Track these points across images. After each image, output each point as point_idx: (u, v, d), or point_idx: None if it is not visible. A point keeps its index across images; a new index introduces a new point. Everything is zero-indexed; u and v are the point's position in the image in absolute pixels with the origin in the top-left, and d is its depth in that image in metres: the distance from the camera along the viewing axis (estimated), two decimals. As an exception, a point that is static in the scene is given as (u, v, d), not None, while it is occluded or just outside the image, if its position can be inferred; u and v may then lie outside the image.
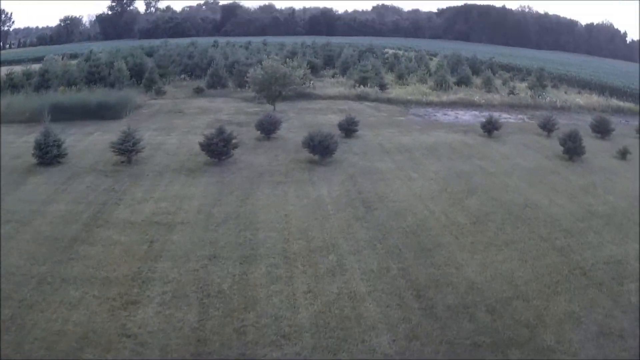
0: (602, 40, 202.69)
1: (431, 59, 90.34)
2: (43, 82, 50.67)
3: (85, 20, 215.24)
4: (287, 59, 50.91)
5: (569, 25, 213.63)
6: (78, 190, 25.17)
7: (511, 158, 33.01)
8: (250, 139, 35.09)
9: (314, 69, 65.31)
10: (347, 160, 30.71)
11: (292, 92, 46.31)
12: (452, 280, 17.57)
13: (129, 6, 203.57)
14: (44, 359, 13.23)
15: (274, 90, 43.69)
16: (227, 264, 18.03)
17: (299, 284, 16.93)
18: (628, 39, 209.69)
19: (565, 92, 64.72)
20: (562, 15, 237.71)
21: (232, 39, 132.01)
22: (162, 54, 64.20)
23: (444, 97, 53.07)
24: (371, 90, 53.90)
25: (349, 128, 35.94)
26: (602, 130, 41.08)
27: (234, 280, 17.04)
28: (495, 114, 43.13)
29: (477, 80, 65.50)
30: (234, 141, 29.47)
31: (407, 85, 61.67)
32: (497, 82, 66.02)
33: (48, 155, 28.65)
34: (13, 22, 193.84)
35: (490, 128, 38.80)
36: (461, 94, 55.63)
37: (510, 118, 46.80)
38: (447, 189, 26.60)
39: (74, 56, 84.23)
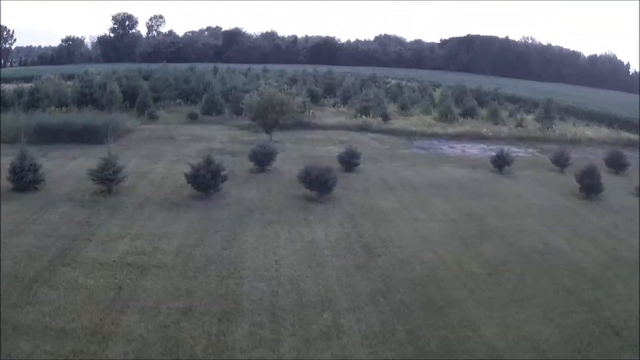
0: (605, 72, 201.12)
1: (434, 90, 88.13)
2: (33, 102, 48.97)
3: (87, 41, 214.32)
4: (286, 86, 47.96)
5: (572, 57, 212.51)
6: (50, 221, 22.54)
7: (525, 197, 30.35)
8: (242, 170, 32.47)
9: (314, 98, 62.96)
10: (347, 198, 27.95)
11: (290, 121, 43.77)
12: (469, 345, 14.80)
13: (131, 29, 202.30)
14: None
15: (270, 118, 41.17)
16: (204, 320, 15.22)
17: (286, 348, 14.14)
18: (631, 71, 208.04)
19: (574, 125, 62.39)
20: (564, 46, 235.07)
21: (232, 66, 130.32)
22: (157, 77, 61.64)
23: (450, 129, 50.57)
24: (373, 120, 51.50)
25: (349, 161, 33.27)
26: (616, 165, 38.59)
27: (209, 342, 14.24)
28: (504, 148, 40.59)
29: (483, 112, 63.21)
30: (223, 173, 26.76)
31: (411, 116, 59.30)
32: (504, 113, 63.48)
33: (23, 180, 26.17)
34: (15, 40, 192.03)
35: (501, 163, 36.21)
36: (467, 125, 53.19)
37: (519, 152, 44.14)
38: (459, 232, 23.86)
39: (71, 77, 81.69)
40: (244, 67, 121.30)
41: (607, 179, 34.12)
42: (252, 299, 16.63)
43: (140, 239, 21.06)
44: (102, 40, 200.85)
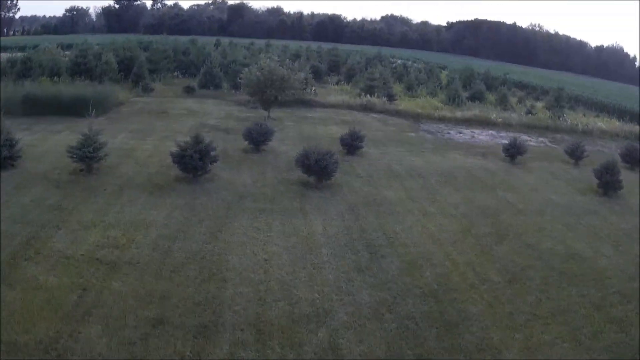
0: (611, 63, 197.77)
1: (441, 72, 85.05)
2: (24, 71, 46.40)
3: (92, 12, 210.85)
4: (288, 61, 45.11)
5: (579, 47, 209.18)
6: (20, 204, 19.86)
7: (541, 191, 27.62)
8: (235, 150, 29.84)
9: (317, 74, 59.97)
10: (348, 185, 25.26)
11: (290, 98, 40.89)
12: (489, 375, 12.23)
13: (136, 0, 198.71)
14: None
15: (269, 94, 38.27)
16: (177, 336, 12.65)
17: (272, 377, 11.52)
18: (637, 63, 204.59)
19: (584, 115, 59.35)
20: (572, 36, 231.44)
21: (236, 40, 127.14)
22: (155, 48, 58.58)
23: (458, 113, 47.67)
24: (378, 100, 48.56)
25: (352, 144, 30.51)
26: (632, 160, 35.77)
27: (181, 365, 11.65)
28: (517, 136, 37.99)
29: (491, 97, 60.29)
30: (212, 153, 24.02)
31: (417, 97, 56.35)
32: (512, 100, 60.76)
33: (-1, 156, 23.36)
34: (18, 8, 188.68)
35: (513, 152, 33.51)
36: (476, 110, 50.24)
37: (530, 141, 41.35)
38: (472, 230, 21.23)
39: (70, 47, 78.56)
40: (248, 41, 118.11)
41: (625, 175, 31.51)
42: (235, 308, 14.02)
43: (114, 228, 18.43)
44: (106, 11, 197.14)
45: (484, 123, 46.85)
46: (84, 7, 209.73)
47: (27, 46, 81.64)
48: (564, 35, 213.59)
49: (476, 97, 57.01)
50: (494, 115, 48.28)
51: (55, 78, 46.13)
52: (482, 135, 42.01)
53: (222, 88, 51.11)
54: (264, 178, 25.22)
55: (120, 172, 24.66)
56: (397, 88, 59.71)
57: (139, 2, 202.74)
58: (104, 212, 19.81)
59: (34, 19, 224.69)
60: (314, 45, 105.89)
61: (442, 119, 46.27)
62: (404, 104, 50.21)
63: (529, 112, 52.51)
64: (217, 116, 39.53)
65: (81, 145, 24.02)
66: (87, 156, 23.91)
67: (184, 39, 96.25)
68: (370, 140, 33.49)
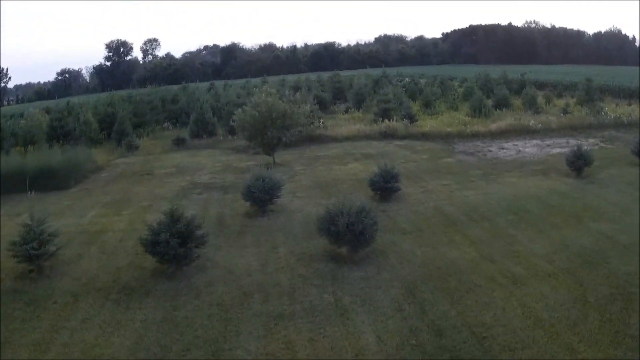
0: (612, 48, 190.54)
1: (454, 84, 77.73)
2: (-5, 142, 39.65)
3: (85, 72, 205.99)
4: (288, 92, 37.91)
5: (577, 37, 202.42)
6: None
7: (634, 211, 20.20)
8: (235, 215, 22.68)
9: (322, 104, 52.49)
10: (395, 250, 17.77)
11: (296, 137, 33.31)
12: None
13: (127, 55, 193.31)
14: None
15: (270, 136, 30.89)
16: None
17: None
18: (638, 43, 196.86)
19: (617, 105, 51.92)
20: (568, 27, 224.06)
21: (232, 81, 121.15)
22: (139, 100, 51.48)
23: (492, 126, 40.21)
24: (399, 124, 41.07)
25: (386, 187, 22.95)
26: None
27: None
28: (576, 143, 30.81)
29: (517, 101, 53.06)
30: (199, 233, 16.60)
31: (438, 114, 49.07)
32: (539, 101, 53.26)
33: None
34: (10, 78, 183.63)
35: (579, 165, 26.06)
36: (508, 119, 42.95)
37: (584, 144, 33.82)
38: (587, 296, 13.92)
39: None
40: (244, 81, 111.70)
41: None
42: None
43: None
44: (98, 70, 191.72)
45: (523, 132, 39.81)
46: (76, 69, 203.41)
47: (15, 115, 75.25)
48: (561, 28, 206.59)
49: (501, 104, 49.85)
50: (532, 122, 40.84)
51: (27, 147, 39.46)
52: (528, 147, 34.75)
53: (217, 135, 43.91)
54: (276, 257, 17.69)
55: (81, 269, 17.53)
56: (414, 107, 52.51)
57: (130, 57, 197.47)
58: (46, 345, 12.86)
59: (29, 86, 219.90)
60: (312, 75, 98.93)
61: (475, 135, 38.99)
62: (427, 123, 42.90)
63: (565, 111, 45.13)
64: (212, 170, 32.29)
65: (23, 240, 16.91)
66: (30, 255, 16.75)
67: (176, 87, 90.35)
68: (404, 175, 26.13)
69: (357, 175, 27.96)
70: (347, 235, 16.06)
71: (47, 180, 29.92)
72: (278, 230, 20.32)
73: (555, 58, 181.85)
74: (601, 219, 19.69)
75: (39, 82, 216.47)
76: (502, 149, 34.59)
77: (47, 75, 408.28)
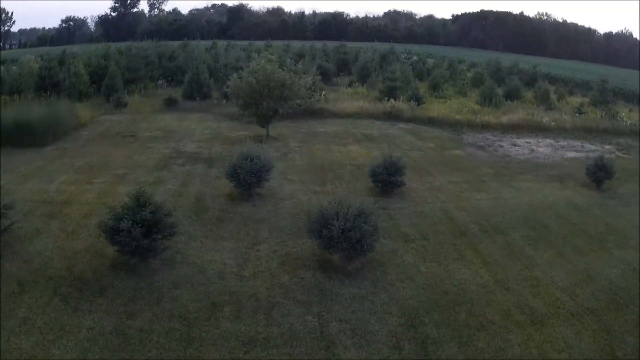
0: (621, 49, 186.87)
1: (462, 67, 74.44)
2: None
3: (90, 21, 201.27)
4: (290, 61, 34.78)
5: (587, 34, 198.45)
6: None
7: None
8: (217, 196, 19.97)
9: (325, 76, 49.47)
10: (395, 262, 15.08)
11: (293, 110, 30.38)
12: None
13: (133, 7, 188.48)
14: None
15: (266, 107, 28.06)
16: None
17: None
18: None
19: (630, 111, 48.91)
20: (579, 23, 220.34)
21: (237, 42, 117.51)
22: (134, 54, 48.31)
23: (504, 118, 37.36)
24: (405, 106, 38.15)
25: (389, 180, 20.24)
26: None
27: None
28: (595, 149, 28.30)
29: (528, 94, 50.03)
30: (169, 220, 13.93)
31: (446, 98, 46.16)
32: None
33: None
34: (14, 22, 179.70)
35: (600, 176, 23.46)
36: (520, 112, 40.11)
37: (600, 150, 31.28)
38: (614, 347, 11.63)
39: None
40: (247, 43, 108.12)
41: None
42: None
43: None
44: (103, 20, 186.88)
45: (535, 128, 36.86)
46: (82, 17, 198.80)
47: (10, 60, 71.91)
48: (572, 23, 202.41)
49: (512, 95, 46.79)
50: (546, 118, 38.04)
51: (15, 96, 36.71)
52: (542, 147, 31.98)
53: (212, 98, 40.91)
54: (256, 256, 14.97)
55: (35, 250, 14.90)
56: (420, 86, 49.65)
57: (136, 10, 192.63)
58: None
59: (34, 31, 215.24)
60: (318, 44, 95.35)
61: (486, 127, 36.16)
62: (435, 108, 40.04)
63: (579, 111, 42.27)
64: (200, 138, 29.48)
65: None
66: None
67: (178, 44, 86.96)
68: (408, 166, 23.37)
69: (356, 159, 25.32)
70: (342, 243, 13.40)
71: (23, 136, 27.43)
72: (262, 220, 17.60)
73: (564, 53, 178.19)
74: (626, 245, 17.05)
75: (43, 28, 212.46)
76: (514, 145, 31.81)
77: (53, 21, 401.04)
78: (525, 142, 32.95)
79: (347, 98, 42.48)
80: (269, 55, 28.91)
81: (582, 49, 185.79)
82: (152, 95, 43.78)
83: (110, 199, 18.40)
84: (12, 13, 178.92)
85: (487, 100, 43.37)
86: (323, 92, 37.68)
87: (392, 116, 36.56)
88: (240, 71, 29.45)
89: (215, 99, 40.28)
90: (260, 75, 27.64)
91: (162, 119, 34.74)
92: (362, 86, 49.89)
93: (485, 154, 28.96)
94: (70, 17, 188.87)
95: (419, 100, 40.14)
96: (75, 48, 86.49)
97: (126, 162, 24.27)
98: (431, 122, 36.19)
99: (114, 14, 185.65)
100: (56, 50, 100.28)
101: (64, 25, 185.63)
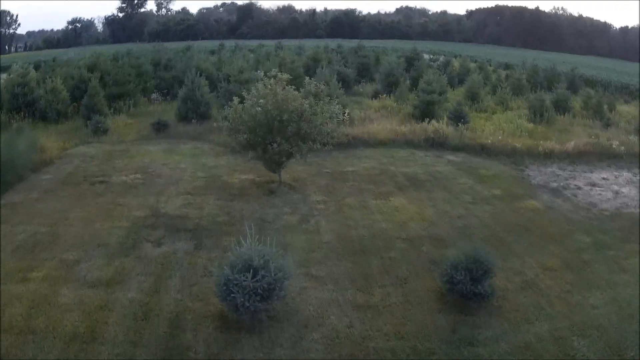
0: (638, 44, 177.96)
1: (491, 68, 66.02)
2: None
3: (97, 22, 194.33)
4: (308, 80, 24.99)
5: (603, 29, 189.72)
6: None
7: None
8: (202, 320, 12.40)
9: (344, 83, 41.24)
10: None
11: (314, 148, 21.24)
12: None
13: (140, 7, 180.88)
14: None
15: (277, 150, 19.97)
16: None
17: None
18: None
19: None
20: (595, 17, 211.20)
21: (245, 42, 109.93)
22: (122, 64, 40.37)
23: (568, 145, 29.19)
24: (449, 129, 30.16)
25: (474, 291, 12.40)
26: None
27: None
28: None
29: (576, 104, 41.79)
30: None
31: (487, 112, 38.29)
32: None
33: None
34: (19, 24, 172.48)
35: None
36: (581, 132, 32.26)
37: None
38: None
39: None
40: (257, 43, 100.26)
41: None
42: None
43: None
44: (109, 21, 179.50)
45: (602, 155, 28.85)
46: (89, 18, 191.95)
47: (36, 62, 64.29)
48: (588, 18, 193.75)
49: (560, 106, 38.46)
50: (615, 143, 29.74)
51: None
52: (624, 186, 24.01)
53: (211, 119, 32.97)
54: None
55: None
56: (453, 96, 41.62)
57: (144, 10, 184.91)
58: None
59: (41, 33, 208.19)
60: (331, 43, 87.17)
61: (549, 155, 28.17)
62: (480, 127, 32.29)
63: (641, 130, 33.96)
64: (189, 186, 21.60)
65: None
66: None
67: (183, 46, 79.38)
68: (479, 234, 15.72)
69: (407, 226, 17.64)
70: None
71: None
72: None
73: (581, 48, 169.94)
74: None
75: (51, 30, 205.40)
76: (592, 185, 23.83)
77: (60, 23, 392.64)
78: (602, 178, 24.98)
79: (375, 115, 34.54)
80: (279, 74, 20.81)
81: (598, 43, 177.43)
82: (142, 114, 36.06)
83: (43, 319, 10.94)
84: (16, 16, 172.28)
85: (538, 115, 35.41)
86: (347, 112, 27.95)
87: (435, 143, 28.62)
88: (248, 91, 21.29)
89: (217, 120, 32.25)
90: (269, 103, 19.70)
91: (146, 151, 26.95)
92: (389, 97, 41.82)
93: (567, 205, 20.87)
94: (77, 18, 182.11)
95: (463, 118, 32.22)
96: (71, 52, 79.11)
97: (83, 234, 16.65)
98: (484, 150, 28.25)
99: (120, 15, 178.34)
100: (58, 53, 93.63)
101: (70, 26, 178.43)
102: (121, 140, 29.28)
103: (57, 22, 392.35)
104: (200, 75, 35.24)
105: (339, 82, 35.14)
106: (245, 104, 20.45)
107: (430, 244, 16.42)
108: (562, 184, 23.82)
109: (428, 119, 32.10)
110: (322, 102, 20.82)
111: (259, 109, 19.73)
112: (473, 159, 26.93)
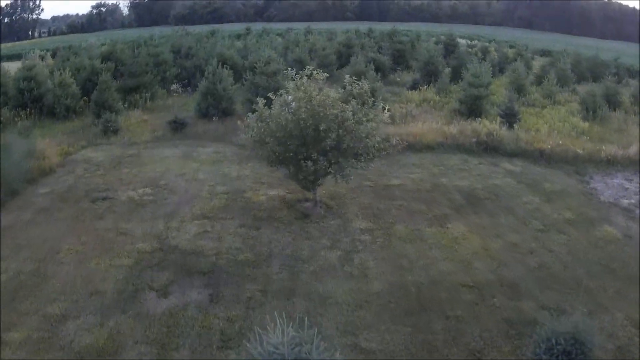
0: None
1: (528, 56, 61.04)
2: None
3: (122, 6, 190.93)
4: (349, 79, 19.86)
5: (632, 14, 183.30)
6: None
7: None
8: None
9: (380, 71, 37.23)
10: None
11: (358, 167, 17.20)
12: None
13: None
14: None
15: (312, 169, 16.11)
16: None
17: None
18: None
19: None
20: (624, 3, 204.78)
21: (273, 25, 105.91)
22: (136, 56, 36.47)
23: (631, 149, 25.07)
24: (503, 131, 26.06)
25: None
26: None
27: None
28: None
29: (624, 97, 37.23)
30: None
31: (536, 106, 34.22)
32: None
33: None
34: (42, 9, 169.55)
35: None
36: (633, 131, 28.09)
37: None
38: None
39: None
40: (286, 26, 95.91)
41: None
42: None
43: None
44: (134, 4, 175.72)
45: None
46: (114, 2, 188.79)
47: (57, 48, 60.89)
48: (617, 3, 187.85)
49: (611, 101, 34.12)
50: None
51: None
52: None
53: (234, 115, 29.31)
54: None
55: None
56: (494, 87, 37.34)
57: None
58: None
59: (66, 17, 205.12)
60: (361, 26, 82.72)
61: (612, 162, 24.16)
62: (530, 124, 28.48)
63: None
64: (206, 206, 17.96)
65: None
66: None
67: (208, 29, 75.83)
68: (559, 279, 12.16)
69: (471, 267, 14.07)
70: None
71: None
72: None
73: (610, 33, 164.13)
74: None
75: (77, 15, 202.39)
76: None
77: (84, 7, 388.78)
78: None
79: (417, 111, 30.69)
80: (315, 73, 17.03)
81: (627, 29, 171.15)
82: (160, 109, 32.53)
83: None
84: (39, 1, 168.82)
85: (591, 111, 31.28)
86: (387, 108, 22.63)
87: (488, 148, 24.71)
88: (275, 96, 17.39)
89: (239, 118, 28.44)
90: (302, 109, 15.94)
91: (160, 157, 23.34)
92: (429, 86, 37.77)
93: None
94: (101, 2, 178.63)
95: (515, 116, 28.29)
96: (92, 38, 75.80)
97: (75, 277, 13.28)
98: (543, 157, 24.28)
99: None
100: (81, 38, 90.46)
101: (94, 11, 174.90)
102: (133, 142, 25.75)
103: (81, 7, 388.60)
104: (224, 65, 31.66)
105: (376, 73, 31.44)
106: (272, 110, 16.68)
107: (502, 294, 12.83)
108: (632, 200, 19.91)
109: (475, 116, 28.34)
110: (366, 105, 16.96)
111: (289, 116, 16.00)
112: (532, 168, 23.00)
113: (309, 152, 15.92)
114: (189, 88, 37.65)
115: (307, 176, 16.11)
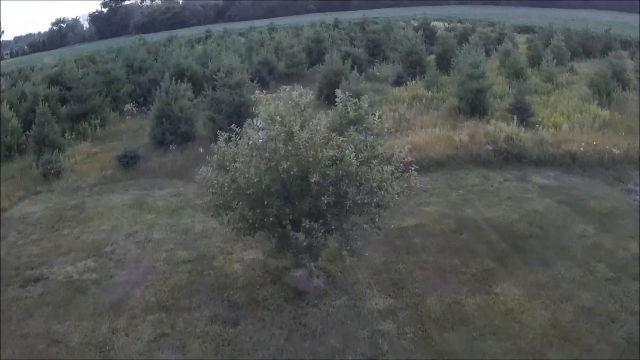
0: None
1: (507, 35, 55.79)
2: None
3: (82, 20, 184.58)
4: (354, 103, 14.04)
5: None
6: None
7: None
8: None
9: (355, 66, 31.55)
10: None
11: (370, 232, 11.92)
12: None
13: (124, 0, 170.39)
14: None
15: (307, 241, 10.73)
16: None
17: None
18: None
19: None
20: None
21: (235, 25, 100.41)
22: (82, 75, 31.19)
23: None
24: (525, 134, 21.25)
25: None
26: None
27: None
28: None
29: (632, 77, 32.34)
30: None
31: (537, 92, 29.60)
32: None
33: None
34: (3, 31, 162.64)
35: None
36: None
37: None
38: None
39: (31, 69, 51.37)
40: (249, 25, 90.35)
41: None
42: None
43: None
44: (94, 17, 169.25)
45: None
46: (74, 17, 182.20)
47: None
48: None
49: (619, 80, 29.30)
50: None
51: None
52: None
53: (196, 139, 24.31)
54: None
55: None
56: (494, 77, 32.48)
57: (128, 2, 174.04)
58: None
59: (29, 37, 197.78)
60: (326, 18, 77.20)
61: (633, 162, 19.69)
62: (542, 117, 23.76)
63: None
64: (164, 289, 12.98)
65: None
66: None
67: (166, 37, 70.50)
68: None
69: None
70: None
71: None
72: None
73: (577, 3, 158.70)
74: None
75: (39, 33, 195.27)
76: None
77: (45, 25, 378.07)
78: None
79: (410, 113, 25.83)
80: (295, 94, 12.03)
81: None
82: (111, 137, 27.63)
83: None
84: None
85: (604, 94, 26.69)
86: (377, 114, 16.81)
87: (509, 157, 19.92)
88: (240, 133, 12.26)
89: (201, 144, 23.42)
90: (282, 150, 10.97)
91: (108, 206, 18.37)
92: (415, 81, 32.77)
93: None
94: (60, 18, 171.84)
95: (526, 110, 23.64)
96: (47, 58, 69.83)
97: None
98: (575, 162, 19.61)
99: (105, 10, 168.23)
100: (40, 57, 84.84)
101: (54, 27, 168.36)
102: (77, 187, 20.78)
103: (42, 25, 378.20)
104: (182, 77, 26.59)
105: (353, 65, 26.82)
106: (238, 153, 11.69)
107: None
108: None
109: (480, 114, 23.77)
110: (368, 132, 12.09)
111: (265, 163, 11.04)
112: (568, 179, 18.40)
113: (296, 215, 10.94)
114: (144, 107, 32.38)
115: (298, 252, 11.13)
